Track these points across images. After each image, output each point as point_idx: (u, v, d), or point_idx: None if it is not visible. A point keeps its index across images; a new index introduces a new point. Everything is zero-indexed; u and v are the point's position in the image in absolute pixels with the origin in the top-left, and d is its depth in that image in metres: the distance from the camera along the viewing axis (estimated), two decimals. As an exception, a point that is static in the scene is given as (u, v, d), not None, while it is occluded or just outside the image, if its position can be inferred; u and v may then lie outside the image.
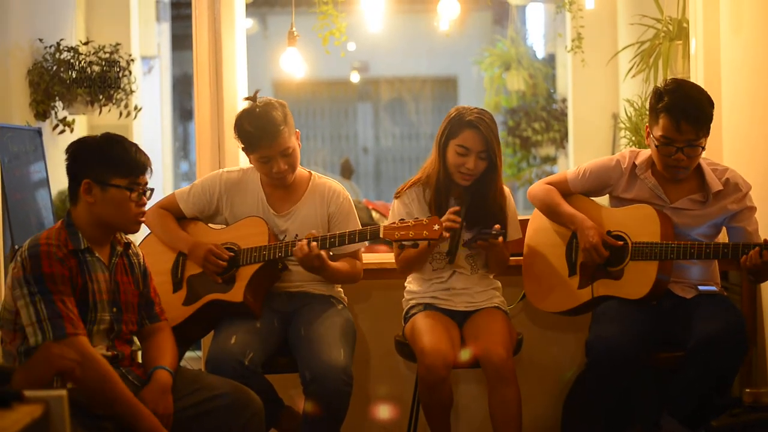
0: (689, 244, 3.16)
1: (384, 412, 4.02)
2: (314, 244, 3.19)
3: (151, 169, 2.89)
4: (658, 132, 3.21)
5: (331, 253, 3.36)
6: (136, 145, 2.87)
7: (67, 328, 2.64)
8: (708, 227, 3.30)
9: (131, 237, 3.01)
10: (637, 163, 3.35)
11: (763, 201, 3.53)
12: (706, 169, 3.29)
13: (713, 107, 3.25)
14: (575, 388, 3.87)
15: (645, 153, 3.36)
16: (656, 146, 3.23)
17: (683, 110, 3.15)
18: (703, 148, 3.24)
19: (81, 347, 2.63)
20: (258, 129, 3.29)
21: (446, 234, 3.12)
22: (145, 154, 2.86)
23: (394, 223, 3.15)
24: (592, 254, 3.30)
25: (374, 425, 4.04)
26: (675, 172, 3.25)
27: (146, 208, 2.91)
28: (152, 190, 2.91)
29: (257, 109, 3.34)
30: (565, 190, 3.47)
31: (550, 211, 3.48)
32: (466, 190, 3.39)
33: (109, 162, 2.80)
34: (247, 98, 3.44)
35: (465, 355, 3.26)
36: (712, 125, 4.03)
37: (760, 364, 3.66)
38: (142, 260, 3.01)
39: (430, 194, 3.41)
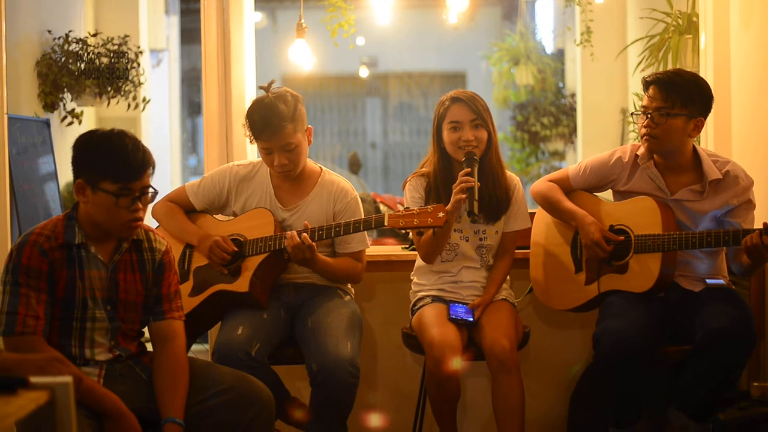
0: (691, 234, 3.16)
1: (390, 404, 4.02)
2: (305, 234, 3.19)
3: (152, 168, 2.70)
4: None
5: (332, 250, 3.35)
6: (137, 146, 2.66)
7: (17, 327, 2.59)
8: (710, 222, 3.28)
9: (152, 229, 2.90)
10: (638, 153, 3.35)
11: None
12: (704, 158, 3.28)
13: (701, 89, 3.24)
14: (582, 383, 3.86)
15: None
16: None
17: (655, 78, 3.28)
18: (697, 126, 3.23)
19: (28, 347, 2.57)
20: (262, 120, 3.29)
21: (463, 195, 3.19)
22: (144, 156, 2.67)
23: (399, 211, 3.15)
24: (594, 250, 3.30)
25: (381, 417, 4.04)
26: (647, 143, 3.26)
27: (149, 206, 2.77)
28: (155, 192, 2.73)
29: (266, 100, 3.34)
30: (566, 186, 3.49)
31: (551, 208, 3.49)
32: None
33: (101, 164, 2.64)
34: (261, 87, 3.43)
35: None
36: (721, 118, 4.01)
37: (768, 358, 3.65)
38: (159, 256, 2.85)
39: (433, 186, 3.42)
